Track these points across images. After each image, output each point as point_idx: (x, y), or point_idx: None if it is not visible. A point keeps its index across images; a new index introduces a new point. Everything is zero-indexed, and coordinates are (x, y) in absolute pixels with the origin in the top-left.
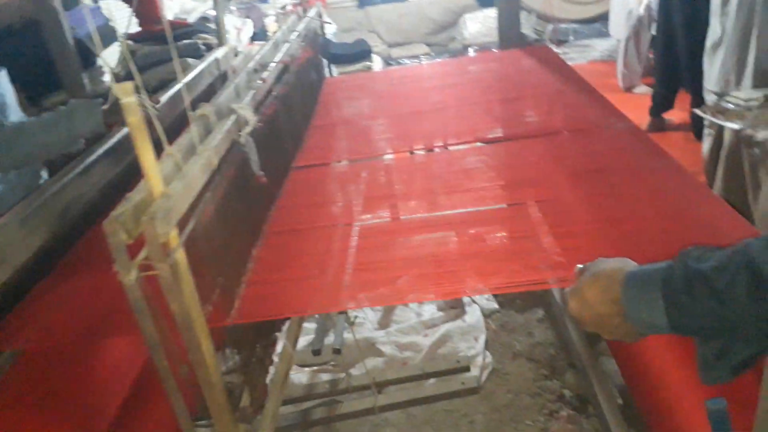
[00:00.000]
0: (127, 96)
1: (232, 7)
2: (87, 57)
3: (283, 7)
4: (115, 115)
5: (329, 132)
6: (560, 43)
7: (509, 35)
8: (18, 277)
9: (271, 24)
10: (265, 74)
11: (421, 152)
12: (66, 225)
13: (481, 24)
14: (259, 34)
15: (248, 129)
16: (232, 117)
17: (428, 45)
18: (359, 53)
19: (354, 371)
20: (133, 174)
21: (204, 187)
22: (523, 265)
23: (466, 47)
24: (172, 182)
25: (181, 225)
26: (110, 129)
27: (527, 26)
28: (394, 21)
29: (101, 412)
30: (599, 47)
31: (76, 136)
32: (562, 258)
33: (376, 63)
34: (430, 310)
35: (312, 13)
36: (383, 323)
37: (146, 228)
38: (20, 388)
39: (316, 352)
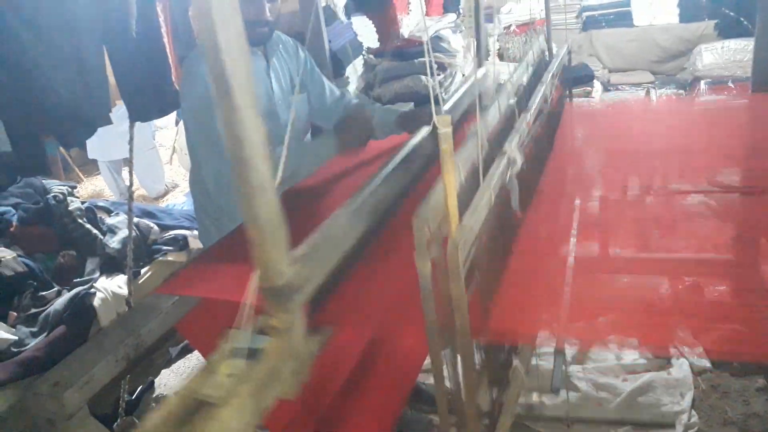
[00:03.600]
0: (446, 127)
1: (463, 28)
2: (338, 68)
3: (508, 27)
4: (410, 123)
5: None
6: None
7: (766, 72)
8: (344, 261)
9: (493, 44)
10: (528, 117)
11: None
12: (376, 219)
13: (719, 56)
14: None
15: (516, 169)
16: (504, 158)
17: (653, 73)
18: (581, 77)
19: (546, 399)
20: (416, 180)
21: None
22: (748, 327)
23: (697, 79)
24: (465, 216)
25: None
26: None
27: None
28: (618, 46)
29: (322, 392)
30: None
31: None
32: None
33: (596, 88)
34: (631, 355)
35: (540, 38)
36: (579, 358)
37: (450, 254)
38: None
39: (555, 391)
